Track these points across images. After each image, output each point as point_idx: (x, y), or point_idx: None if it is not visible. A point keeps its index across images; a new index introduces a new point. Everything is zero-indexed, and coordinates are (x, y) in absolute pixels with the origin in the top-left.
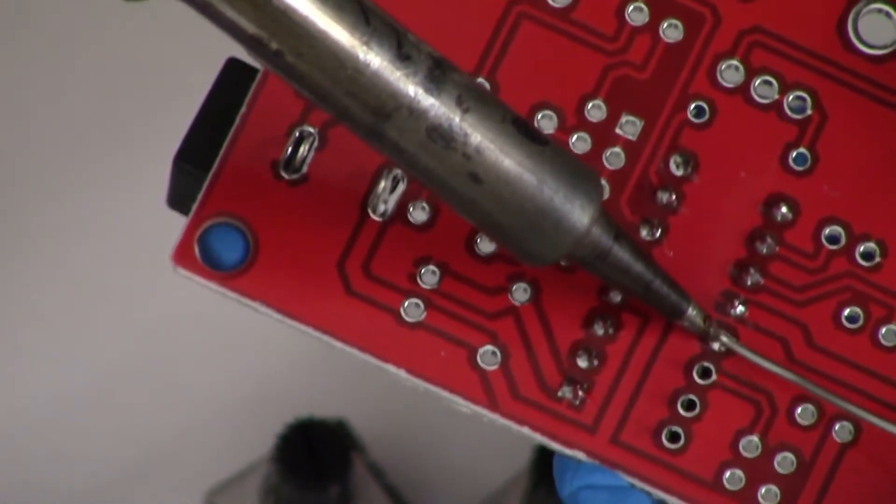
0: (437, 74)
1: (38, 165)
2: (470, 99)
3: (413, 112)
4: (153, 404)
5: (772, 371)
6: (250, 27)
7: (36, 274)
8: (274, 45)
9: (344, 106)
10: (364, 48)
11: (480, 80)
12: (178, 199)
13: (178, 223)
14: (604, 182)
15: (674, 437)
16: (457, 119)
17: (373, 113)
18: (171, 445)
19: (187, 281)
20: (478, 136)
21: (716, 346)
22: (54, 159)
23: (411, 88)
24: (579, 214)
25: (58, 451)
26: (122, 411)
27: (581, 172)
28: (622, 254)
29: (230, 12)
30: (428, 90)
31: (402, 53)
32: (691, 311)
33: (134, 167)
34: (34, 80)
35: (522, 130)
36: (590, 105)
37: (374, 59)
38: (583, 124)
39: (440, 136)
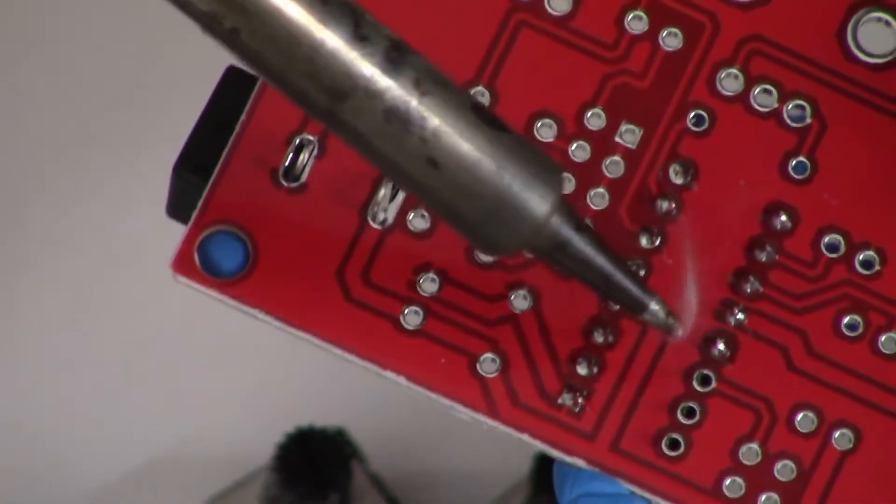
0: (395, 56)
1: (38, 174)
2: (428, 82)
3: (369, 94)
4: (153, 413)
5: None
6: (204, 4)
7: (36, 282)
8: (228, 23)
9: (300, 87)
10: (320, 27)
11: (480, 88)
12: (178, 207)
13: (177, 231)
14: (603, 190)
15: (673, 445)
16: (414, 102)
17: (329, 94)
18: (171, 454)
19: (186, 289)
20: (436, 119)
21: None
22: (54, 167)
23: (367, 69)
24: (539, 202)
25: (59, 459)
26: (122, 420)
27: (542, 161)
28: (582, 245)
29: None
30: (385, 71)
31: (360, 34)
32: (654, 306)
33: (133, 176)
34: (33, 88)
35: (481, 116)
36: (589, 113)
37: (331, 37)
38: (582, 132)
39: (397, 118)
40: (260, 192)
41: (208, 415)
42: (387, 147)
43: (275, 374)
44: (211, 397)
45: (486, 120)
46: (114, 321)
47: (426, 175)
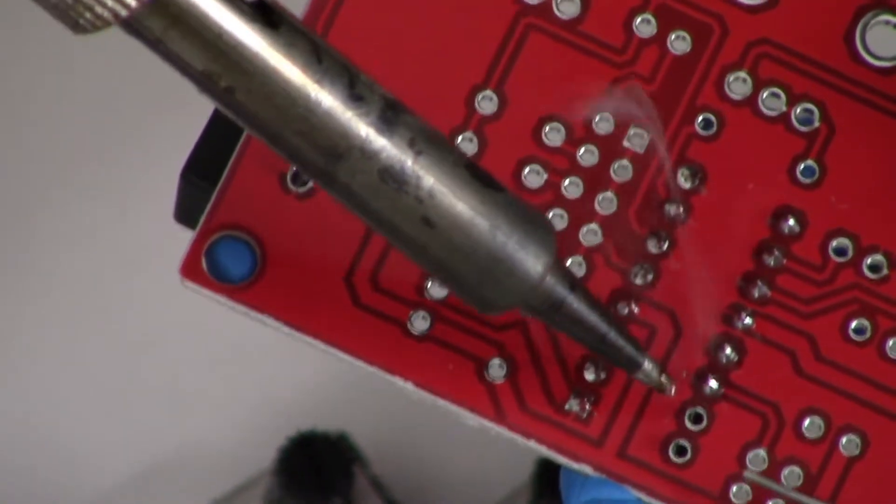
0: (390, 116)
1: (43, 176)
2: (422, 141)
3: (365, 153)
4: (156, 416)
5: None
6: (200, 63)
7: (42, 284)
8: (224, 82)
9: (295, 146)
10: (316, 87)
11: (488, 92)
12: (186, 212)
13: (182, 234)
14: (611, 194)
15: (681, 451)
16: (409, 161)
17: (324, 154)
18: (173, 458)
19: (191, 293)
20: (430, 179)
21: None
22: (59, 170)
23: (363, 129)
24: (533, 262)
25: (61, 462)
26: (125, 423)
27: (535, 220)
28: (577, 304)
29: (180, 47)
30: (380, 131)
31: (355, 94)
32: (647, 365)
33: (141, 180)
34: (40, 88)
35: (476, 175)
36: (598, 117)
37: (326, 98)
38: (590, 137)
39: (392, 178)
40: (268, 197)
41: (211, 418)
42: (381, 206)
43: (277, 378)
44: (213, 401)
45: (480, 178)
46: (118, 324)
47: (420, 234)
